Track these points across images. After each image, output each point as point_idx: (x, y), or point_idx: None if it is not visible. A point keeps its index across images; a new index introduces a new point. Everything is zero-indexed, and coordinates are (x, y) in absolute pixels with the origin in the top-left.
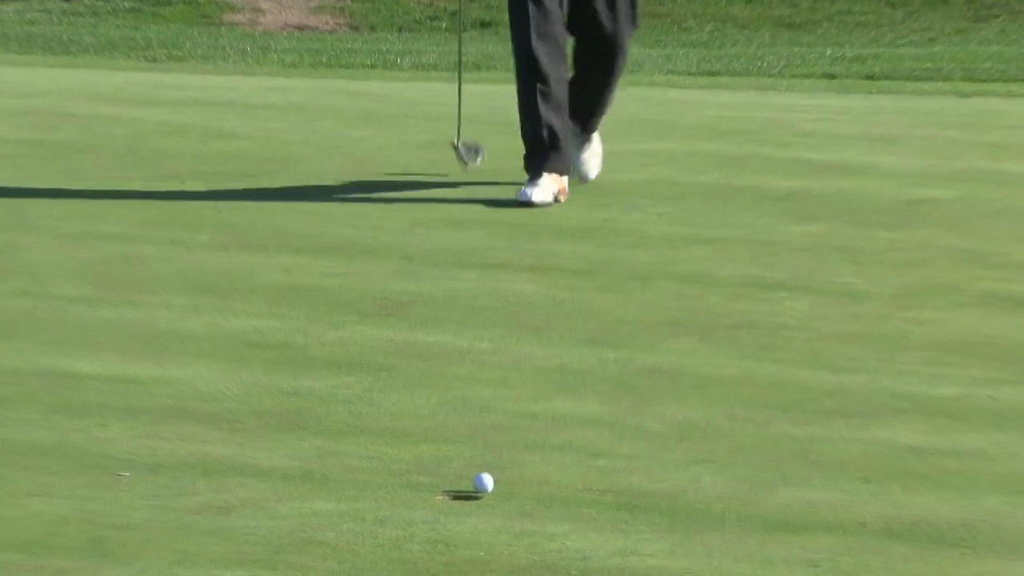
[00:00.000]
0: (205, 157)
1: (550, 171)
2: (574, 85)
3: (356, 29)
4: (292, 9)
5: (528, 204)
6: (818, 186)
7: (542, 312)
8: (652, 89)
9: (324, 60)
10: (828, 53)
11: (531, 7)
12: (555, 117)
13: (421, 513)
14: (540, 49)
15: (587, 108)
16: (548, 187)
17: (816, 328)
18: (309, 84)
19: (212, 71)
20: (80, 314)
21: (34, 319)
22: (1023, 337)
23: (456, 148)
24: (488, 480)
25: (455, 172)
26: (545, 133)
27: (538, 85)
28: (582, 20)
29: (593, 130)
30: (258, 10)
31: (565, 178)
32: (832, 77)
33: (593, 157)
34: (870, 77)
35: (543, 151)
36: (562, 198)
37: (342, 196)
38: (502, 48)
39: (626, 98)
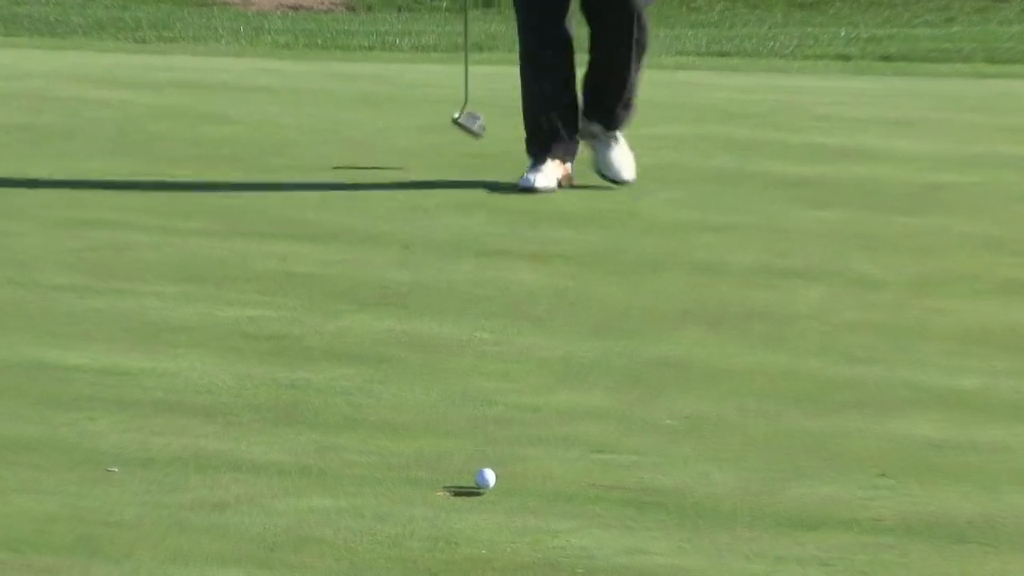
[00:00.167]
0: (197, 141)
1: (553, 157)
2: (591, 74)
3: (353, 9)
4: None
5: (531, 190)
6: (832, 171)
7: (545, 302)
8: (660, 71)
9: (320, 41)
10: (842, 33)
11: None
12: (558, 104)
13: (421, 509)
14: (543, 34)
15: (608, 97)
16: (551, 172)
17: (831, 317)
18: (304, 66)
19: (203, 53)
20: (68, 304)
21: (21, 309)
22: None
23: (460, 124)
24: (490, 475)
25: (456, 156)
26: (546, 120)
27: (540, 71)
28: None
29: (617, 126)
30: None
31: (569, 164)
32: (846, 58)
33: (624, 157)
34: (886, 58)
35: (545, 137)
36: (566, 184)
37: (339, 182)
38: (505, 28)
39: None
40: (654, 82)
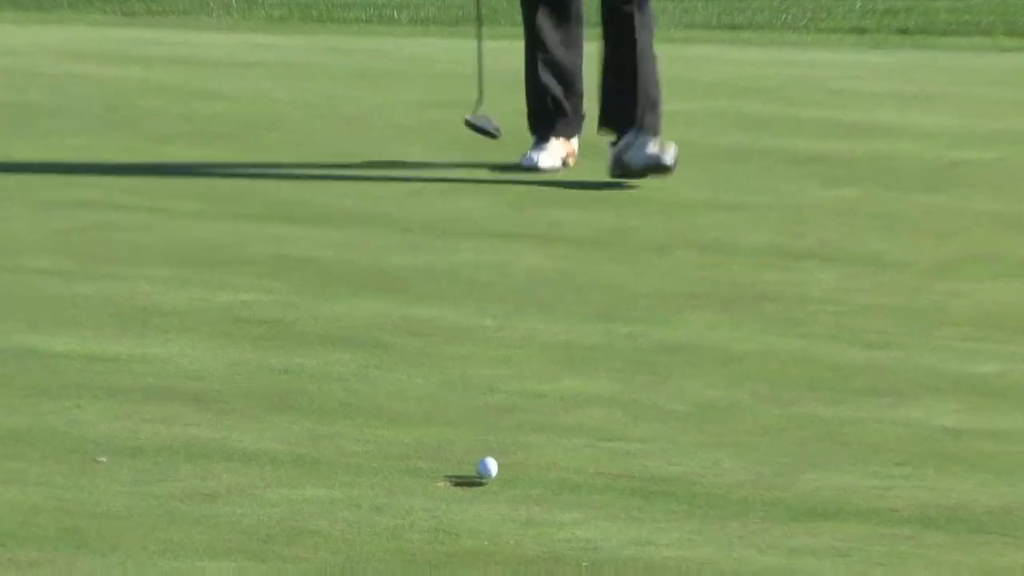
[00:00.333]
0: (188, 119)
1: (558, 135)
2: (604, 78)
3: None
4: None
5: (534, 170)
6: (847, 148)
7: (549, 285)
8: (669, 45)
9: (315, 14)
10: (858, 6)
11: None
12: (563, 80)
13: (421, 500)
14: (552, 8)
15: (626, 97)
16: (555, 151)
17: (846, 300)
18: (299, 40)
19: (194, 26)
20: (55, 288)
21: (6, 294)
22: None
23: (473, 124)
24: (492, 465)
25: (456, 134)
26: (550, 99)
27: (546, 47)
28: None
29: (644, 124)
30: None
31: (574, 140)
32: (862, 31)
33: (666, 148)
34: (902, 31)
35: (549, 114)
36: (571, 161)
37: (335, 161)
38: (507, 2)
39: None
40: (662, 56)
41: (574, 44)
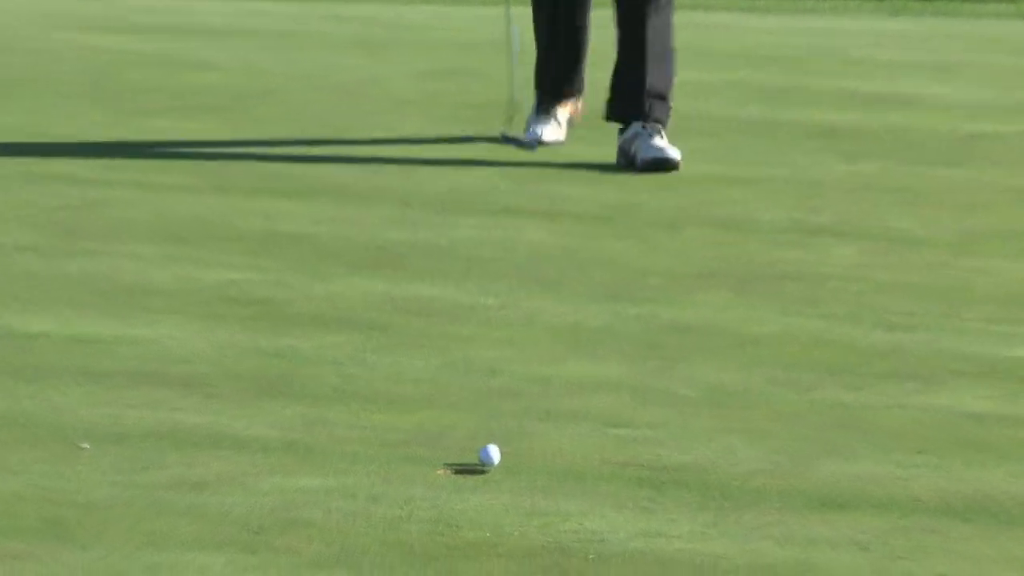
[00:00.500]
0: (176, 90)
1: (564, 100)
2: (616, 68)
3: None
4: None
5: (538, 143)
6: (867, 120)
7: (555, 263)
8: (682, 13)
9: None
10: None
11: None
12: (570, 47)
13: (420, 489)
14: None
15: (634, 86)
16: (561, 120)
17: (866, 279)
18: (293, 8)
19: None
20: (35, 266)
21: None
22: None
23: (510, 139)
24: (495, 452)
25: (457, 105)
26: (556, 65)
27: (554, 15)
28: None
29: (653, 117)
30: None
31: (578, 100)
32: None
33: (668, 144)
34: None
35: (554, 81)
36: (577, 119)
37: (331, 133)
38: None
39: None
40: (675, 24)
41: (584, 12)
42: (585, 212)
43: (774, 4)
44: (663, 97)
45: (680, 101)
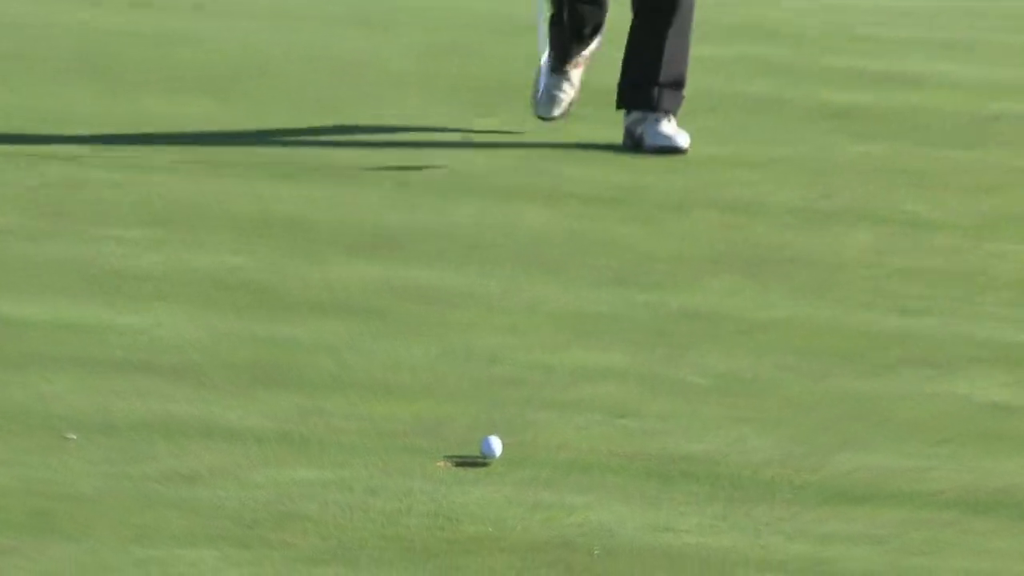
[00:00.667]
0: (167, 67)
1: (575, 61)
2: (627, 52)
3: None
4: None
5: (548, 120)
6: (880, 99)
7: (559, 247)
8: None
9: None
10: None
11: None
12: (588, 16)
13: (419, 482)
14: None
15: (647, 74)
16: (571, 84)
17: (880, 263)
18: None
19: None
20: (19, 249)
21: None
22: None
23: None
24: (496, 443)
25: (458, 83)
26: (570, 25)
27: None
28: None
29: (660, 107)
30: None
31: (585, 52)
32: None
33: (676, 130)
34: None
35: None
36: (583, 63)
37: (327, 112)
38: None
39: None
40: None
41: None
42: (590, 194)
43: None
44: (678, 84)
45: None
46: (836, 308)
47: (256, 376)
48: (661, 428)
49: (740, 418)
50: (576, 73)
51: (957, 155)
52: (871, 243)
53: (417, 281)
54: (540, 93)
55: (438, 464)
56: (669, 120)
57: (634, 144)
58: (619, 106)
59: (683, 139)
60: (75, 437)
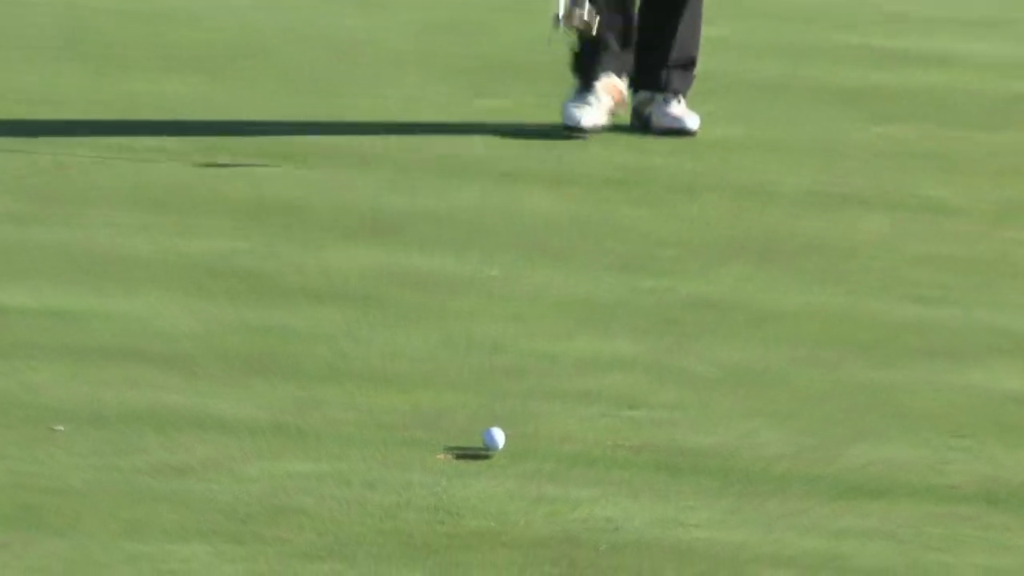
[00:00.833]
0: (158, 47)
1: (605, 71)
2: (639, 35)
3: None
4: None
5: (576, 130)
6: (899, 79)
7: (563, 232)
8: None
9: None
10: None
11: None
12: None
13: (419, 475)
14: None
15: (658, 56)
16: (602, 98)
17: (897, 250)
18: None
19: None
20: (6, 234)
21: None
22: None
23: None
24: (499, 435)
25: (458, 62)
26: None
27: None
28: None
29: (670, 87)
30: None
31: (623, 81)
32: None
33: (685, 111)
34: None
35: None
36: (618, 108)
37: (323, 93)
38: None
39: None
40: None
41: None
42: (596, 177)
43: None
44: (689, 64)
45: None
46: (850, 296)
47: (250, 365)
48: (669, 420)
49: (751, 409)
50: (601, 88)
51: (980, 137)
52: (887, 229)
53: (416, 267)
54: (565, 111)
55: (438, 457)
56: (679, 101)
57: (642, 125)
58: (628, 86)
59: (692, 121)
60: (63, 429)
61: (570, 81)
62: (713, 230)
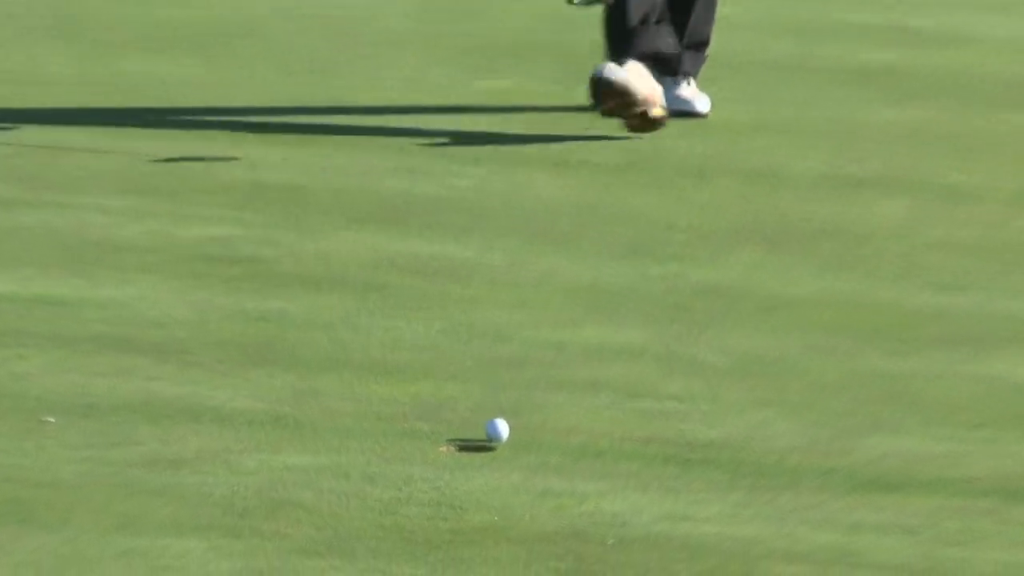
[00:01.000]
0: (149, 25)
1: (640, 56)
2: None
3: None
4: None
5: (600, 82)
6: (916, 59)
7: (569, 217)
8: None
9: None
10: None
11: None
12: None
13: (420, 468)
14: None
15: (674, 28)
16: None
17: (914, 236)
18: None
19: None
20: None
21: None
22: None
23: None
24: (503, 427)
25: (460, 44)
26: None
27: None
28: None
29: (680, 68)
30: None
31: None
32: None
33: (695, 93)
34: None
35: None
36: (661, 118)
37: (321, 74)
38: None
39: None
40: None
41: None
42: (603, 160)
43: None
44: (701, 45)
45: None
46: (865, 283)
47: (246, 355)
48: (679, 411)
49: (763, 400)
50: (633, 65)
51: (1002, 119)
52: (903, 213)
53: (417, 253)
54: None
55: (440, 449)
56: (688, 83)
57: None
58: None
59: (702, 103)
60: (53, 420)
61: (569, 59)
62: (724, 215)
